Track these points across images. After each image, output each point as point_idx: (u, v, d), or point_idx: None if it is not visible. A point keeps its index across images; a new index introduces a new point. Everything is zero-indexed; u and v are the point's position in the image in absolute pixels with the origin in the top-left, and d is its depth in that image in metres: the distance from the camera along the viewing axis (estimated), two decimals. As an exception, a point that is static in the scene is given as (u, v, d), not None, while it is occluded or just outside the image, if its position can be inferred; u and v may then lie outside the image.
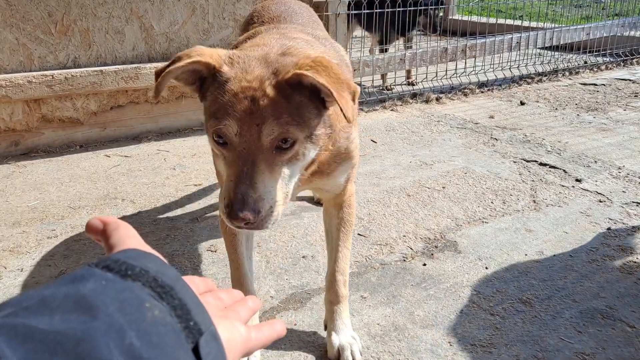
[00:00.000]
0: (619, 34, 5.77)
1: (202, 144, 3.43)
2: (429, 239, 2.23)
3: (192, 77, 1.23)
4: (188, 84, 1.25)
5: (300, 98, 1.15)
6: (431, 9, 4.64)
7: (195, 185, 2.79)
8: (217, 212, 2.48)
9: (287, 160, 1.17)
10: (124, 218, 2.43)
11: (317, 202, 2.54)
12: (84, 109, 3.34)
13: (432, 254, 2.11)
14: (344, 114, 1.13)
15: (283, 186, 1.18)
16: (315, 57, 1.15)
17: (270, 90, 1.12)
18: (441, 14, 5.10)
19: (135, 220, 2.41)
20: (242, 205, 1.09)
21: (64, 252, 2.15)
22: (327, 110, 1.22)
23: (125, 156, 3.22)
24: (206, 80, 1.21)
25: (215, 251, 2.14)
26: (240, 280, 1.58)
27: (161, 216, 2.45)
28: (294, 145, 1.15)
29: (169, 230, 2.32)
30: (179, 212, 2.50)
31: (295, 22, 1.90)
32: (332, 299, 1.62)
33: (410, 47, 4.95)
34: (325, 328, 1.64)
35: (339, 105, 1.10)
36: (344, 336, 1.58)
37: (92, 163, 3.12)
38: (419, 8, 4.61)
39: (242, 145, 1.12)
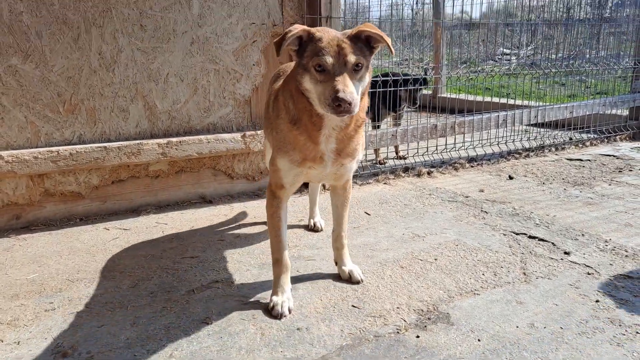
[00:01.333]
0: (601, 112, 6.05)
1: (199, 217, 3.51)
2: (422, 310, 2.26)
3: (296, 41, 2.04)
4: (294, 45, 2.05)
5: (361, 44, 2.01)
6: (412, 87, 4.95)
7: (192, 257, 2.85)
8: (212, 284, 2.52)
9: (358, 78, 1.99)
10: (120, 290, 2.46)
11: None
12: (86, 183, 3.45)
13: (426, 326, 2.14)
14: (389, 47, 2.04)
15: (358, 93, 1.98)
16: (365, 23, 2.09)
17: (346, 40, 1.97)
18: (425, 91, 5.44)
19: (132, 292, 2.45)
20: (344, 93, 1.86)
21: (61, 324, 2.16)
22: (373, 53, 2.07)
23: (124, 229, 3.29)
24: (303, 42, 2.04)
25: (210, 323, 2.16)
26: (279, 247, 2.36)
27: (158, 288, 2.49)
28: (362, 68, 1.99)
29: (165, 302, 2.35)
30: (175, 284, 2.53)
31: None
32: (339, 246, 2.58)
33: (399, 124, 5.17)
34: (336, 264, 2.61)
35: (386, 42, 2.01)
36: (350, 265, 2.58)
37: (91, 236, 3.18)
38: (402, 88, 4.90)
39: (336, 69, 1.93)
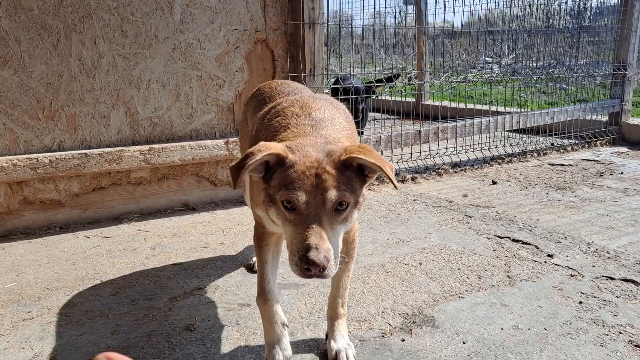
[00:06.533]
0: (582, 118, 6.13)
1: (182, 224, 3.47)
2: (407, 314, 2.25)
3: (261, 167, 1.54)
4: (258, 172, 1.55)
5: (350, 173, 1.50)
6: (352, 97, 4.92)
7: (175, 264, 2.81)
8: (195, 291, 2.48)
9: (342, 221, 1.49)
10: (101, 298, 2.42)
11: None
12: (66, 190, 3.39)
13: (411, 330, 2.12)
14: (392, 182, 1.50)
15: (338, 242, 1.50)
16: (360, 145, 1.54)
17: (329, 168, 1.46)
18: (374, 96, 5.33)
19: (114, 300, 2.40)
20: (316, 253, 1.36)
21: (40, 333, 2.11)
22: (365, 183, 1.56)
23: (106, 237, 3.24)
24: (271, 166, 1.53)
25: (193, 330, 2.13)
26: (260, 279, 1.90)
27: (139, 296, 2.44)
28: (347, 208, 1.48)
29: (147, 310, 2.31)
30: (157, 291, 2.49)
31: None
32: (333, 316, 1.98)
33: (362, 132, 5.20)
34: (326, 338, 1.98)
35: (387, 176, 1.49)
36: (341, 343, 1.92)
37: (71, 244, 3.12)
38: (345, 97, 4.90)
39: (310, 209, 1.43)
